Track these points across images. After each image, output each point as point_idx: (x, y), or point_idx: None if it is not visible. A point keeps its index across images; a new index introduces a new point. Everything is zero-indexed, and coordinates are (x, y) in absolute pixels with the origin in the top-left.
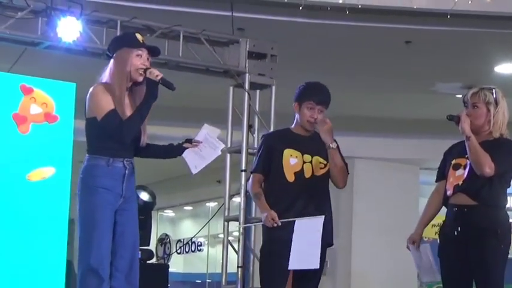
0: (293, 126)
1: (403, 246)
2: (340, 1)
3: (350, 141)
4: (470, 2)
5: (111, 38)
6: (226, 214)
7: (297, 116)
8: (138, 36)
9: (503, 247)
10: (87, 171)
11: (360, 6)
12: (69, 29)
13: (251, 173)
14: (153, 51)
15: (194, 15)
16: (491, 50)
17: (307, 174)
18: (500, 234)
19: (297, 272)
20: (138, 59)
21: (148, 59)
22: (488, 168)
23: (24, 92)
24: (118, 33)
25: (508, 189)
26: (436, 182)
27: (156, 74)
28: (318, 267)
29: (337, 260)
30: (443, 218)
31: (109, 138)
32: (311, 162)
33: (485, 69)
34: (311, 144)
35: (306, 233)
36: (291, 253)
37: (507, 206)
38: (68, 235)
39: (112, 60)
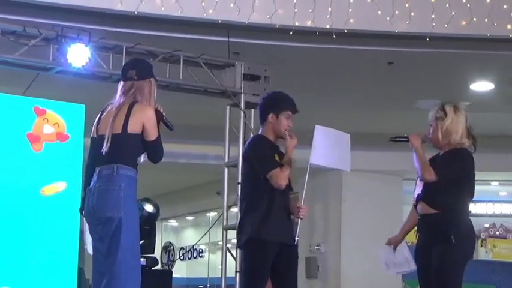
0: (265, 135)
1: None
2: (328, 26)
3: None
4: (446, 26)
5: (117, 63)
6: (225, 223)
7: (269, 125)
8: None
9: (459, 251)
10: (130, 181)
11: (345, 31)
12: (78, 55)
13: (269, 171)
14: None
15: (193, 40)
16: (466, 69)
17: None
18: (456, 238)
19: (274, 268)
20: None
21: None
22: (429, 175)
23: (37, 114)
24: (123, 58)
25: (470, 196)
26: None
27: (162, 110)
28: (348, 170)
29: (327, 263)
30: None
31: (138, 155)
32: None
33: (462, 87)
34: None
35: (336, 140)
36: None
37: (474, 212)
38: (79, 244)
39: (148, 85)
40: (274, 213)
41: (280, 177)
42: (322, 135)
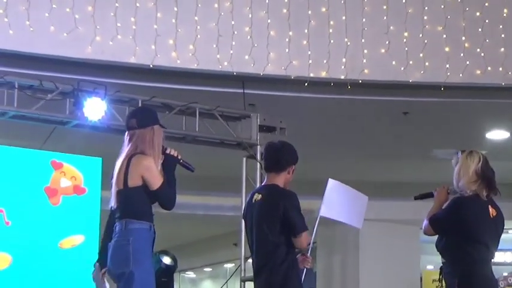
0: (280, 185)
1: None
2: (342, 77)
3: None
4: (461, 75)
5: None
6: (242, 275)
7: (284, 176)
8: None
9: None
10: (140, 234)
11: (360, 81)
12: (94, 108)
13: (305, 229)
14: None
15: (209, 93)
16: (482, 118)
17: None
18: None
19: None
20: None
21: None
22: (424, 229)
23: (54, 167)
24: None
25: (471, 243)
26: None
27: (176, 153)
28: (360, 227)
29: None
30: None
31: (150, 205)
32: None
33: (478, 136)
34: None
35: (350, 198)
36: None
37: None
38: None
39: (151, 133)
40: (298, 267)
41: (307, 237)
42: (335, 189)
